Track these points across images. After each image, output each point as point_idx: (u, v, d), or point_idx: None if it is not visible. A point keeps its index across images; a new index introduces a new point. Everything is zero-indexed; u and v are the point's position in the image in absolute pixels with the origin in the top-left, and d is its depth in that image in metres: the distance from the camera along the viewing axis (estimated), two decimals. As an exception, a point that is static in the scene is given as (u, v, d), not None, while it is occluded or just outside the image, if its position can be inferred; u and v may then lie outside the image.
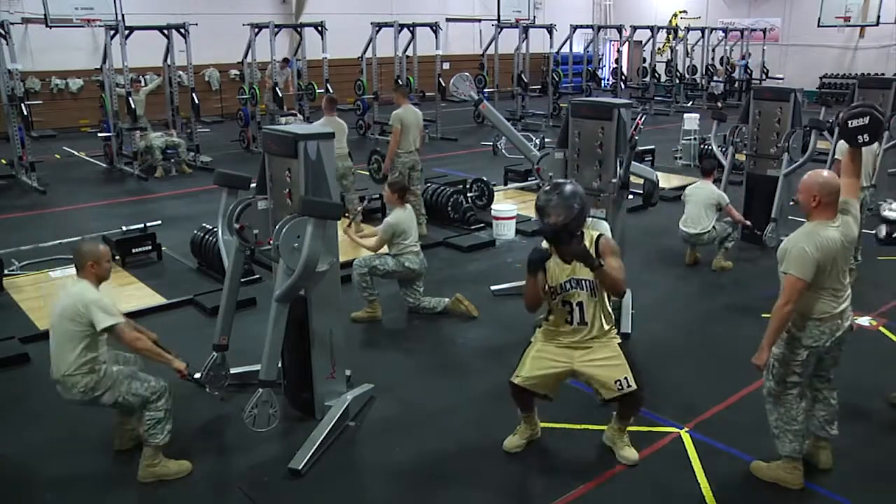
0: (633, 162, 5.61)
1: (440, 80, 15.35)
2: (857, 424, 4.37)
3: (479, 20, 20.93)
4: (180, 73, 13.48)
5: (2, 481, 4.06)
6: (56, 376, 3.85)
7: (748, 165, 8.13)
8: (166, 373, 4.08)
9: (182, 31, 12.59)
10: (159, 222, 8.05)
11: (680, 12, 24.39)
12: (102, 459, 4.18)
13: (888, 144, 8.43)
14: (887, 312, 6.15)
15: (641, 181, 6.05)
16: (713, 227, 7.16)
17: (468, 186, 9.47)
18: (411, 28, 15.25)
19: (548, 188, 3.81)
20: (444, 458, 4.18)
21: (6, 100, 11.00)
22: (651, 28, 19.89)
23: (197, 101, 12.97)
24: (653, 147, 12.27)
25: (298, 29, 14.49)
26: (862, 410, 4.56)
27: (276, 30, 13.77)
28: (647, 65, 19.97)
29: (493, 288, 6.66)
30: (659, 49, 21.23)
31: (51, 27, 12.00)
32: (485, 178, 9.60)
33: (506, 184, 10.76)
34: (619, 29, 19.69)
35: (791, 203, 7.65)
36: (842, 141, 4.15)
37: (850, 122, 3.72)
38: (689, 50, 20.93)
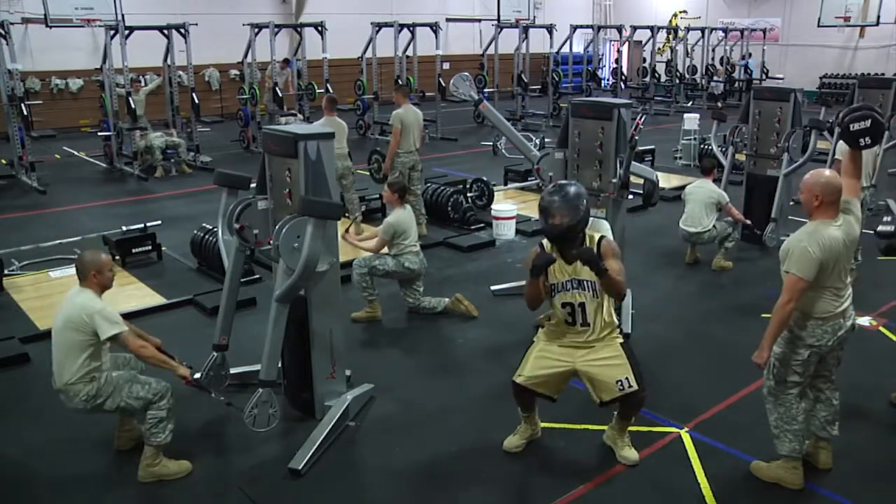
0: (633, 162, 5.61)
1: (440, 80, 15.35)
2: (857, 424, 4.37)
3: (479, 20, 20.93)
4: (180, 73, 13.47)
5: (2, 481, 4.06)
6: (58, 386, 3.84)
7: (748, 165, 8.12)
8: (167, 373, 4.07)
9: (182, 31, 12.57)
10: (159, 222, 8.05)
11: (680, 12, 24.39)
12: (102, 459, 4.18)
13: (888, 144, 8.43)
14: (887, 312, 6.15)
15: (641, 181, 6.04)
16: (713, 225, 7.17)
17: (468, 186, 9.47)
18: (411, 28, 15.25)
19: (552, 189, 3.79)
20: (444, 458, 4.18)
21: (6, 100, 10.99)
22: (651, 28, 19.88)
23: (197, 101, 12.96)
24: (653, 147, 12.27)
25: (298, 29, 14.48)
26: (862, 410, 4.56)
27: (276, 30, 13.75)
28: (647, 65, 19.95)
29: (493, 288, 6.66)
30: (659, 49, 21.23)
31: (51, 27, 11.99)
32: (485, 178, 9.60)
33: (506, 184, 10.76)
34: (619, 29, 19.69)
35: (791, 203, 7.67)
36: (841, 141, 4.15)
37: (851, 125, 3.72)
38: (689, 50, 20.91)
